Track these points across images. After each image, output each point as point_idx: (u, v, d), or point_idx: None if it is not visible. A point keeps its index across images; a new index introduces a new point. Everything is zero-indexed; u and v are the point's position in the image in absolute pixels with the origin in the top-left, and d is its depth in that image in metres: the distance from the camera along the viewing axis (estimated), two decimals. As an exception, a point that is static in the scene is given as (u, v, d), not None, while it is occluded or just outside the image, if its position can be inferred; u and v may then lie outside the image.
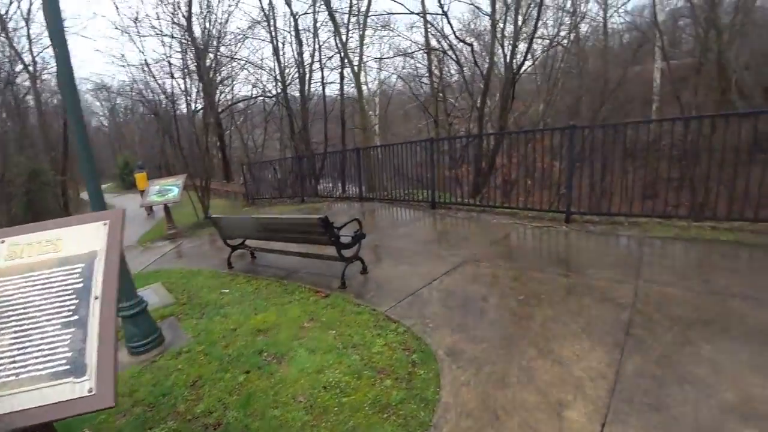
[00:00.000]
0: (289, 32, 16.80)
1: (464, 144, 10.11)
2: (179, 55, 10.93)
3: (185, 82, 10.91)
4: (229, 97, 19.20)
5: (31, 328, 1.64)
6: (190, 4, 11.63)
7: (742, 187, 4.97)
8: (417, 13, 12.27)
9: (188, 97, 10.85)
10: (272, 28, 15.65)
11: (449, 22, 12.31)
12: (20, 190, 14.89)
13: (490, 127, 14.12)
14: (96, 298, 1.70)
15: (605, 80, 21.88)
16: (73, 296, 1.71)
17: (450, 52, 12.90)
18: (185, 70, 10.83)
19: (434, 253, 5.38)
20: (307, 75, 15.89)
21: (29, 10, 17.77)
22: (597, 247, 4.95)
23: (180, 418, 2.77)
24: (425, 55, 15.89)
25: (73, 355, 1.59)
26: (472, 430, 2.36)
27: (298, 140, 15.07)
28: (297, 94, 15.69)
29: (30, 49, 17.00)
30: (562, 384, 2.63)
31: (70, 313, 1.67)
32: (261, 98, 19.78)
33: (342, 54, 15.08)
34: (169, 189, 9.43)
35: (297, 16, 15.58)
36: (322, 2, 14.27)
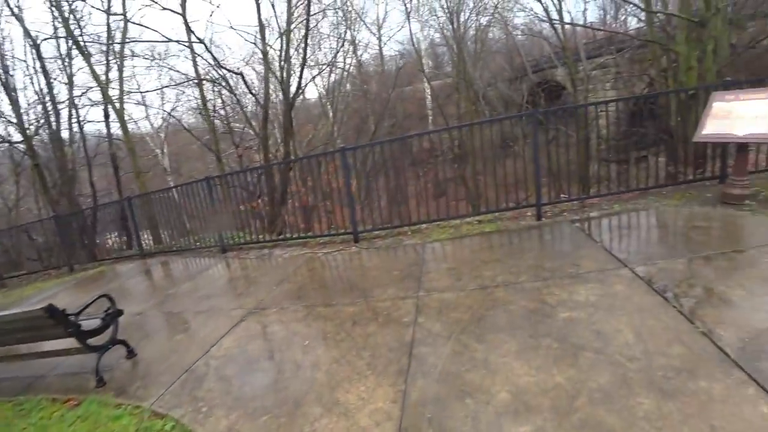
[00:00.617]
0: (32, 61, 13.57)
1: (254, 176, 9.60)
2: None
3: None
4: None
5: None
6: None
7: (500, 179, 5.69)
8: (176, 41, 11.29)
9: None
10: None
11: (209, 50, 11.53)
12: None
13: (279, 155, 13.92)
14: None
15: (387, 100, 24.32)
16: None
17: (224, 82, 12.22)
18: None
19: (217, 309, 4.66)
20: (62, 113, 13.14)
21: None
22: (383, 263, 4.97)
23: None
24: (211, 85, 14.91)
25: None
26: None
27: (56, 195, 12.20)
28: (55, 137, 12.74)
29: None
30: (346, 444, 2.30)
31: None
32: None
33: (102, 87, 12.88)
34: None
35: (38, 42, 12.75)
36: (63, 25, 11.93)
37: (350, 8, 22.04)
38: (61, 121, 13.04)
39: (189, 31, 11.82)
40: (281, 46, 11.28)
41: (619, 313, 2.92)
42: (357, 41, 26.15)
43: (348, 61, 26.16)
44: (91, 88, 13.86)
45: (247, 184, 8.80)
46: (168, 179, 21.26)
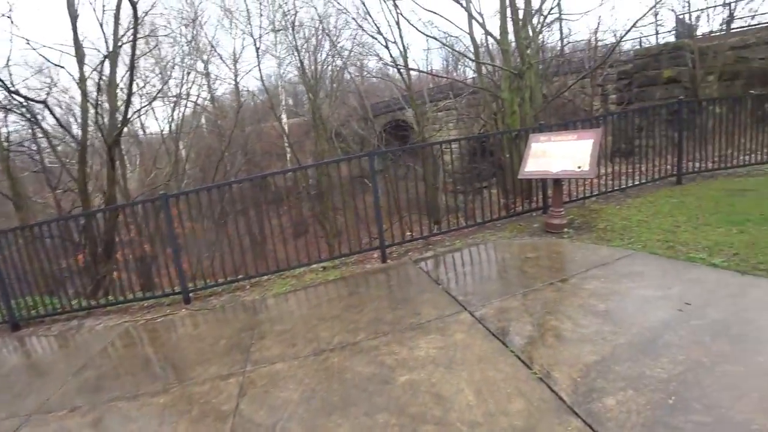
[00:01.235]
0: None
1: (76, 225, 7.78)
2: None
3: None
4: None
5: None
6: None
7: (350, 220, 5.35)
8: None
9: None
10: None
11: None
12: None
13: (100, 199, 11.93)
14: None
15: (242, 136, 23.20)
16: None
17: (25, 111, 10.05)
18: None
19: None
20: None
21: None
22: (211, 330, 4.15)
23: None
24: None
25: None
26: None
27: None
28: None
29: None
30: None
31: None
32: None
33: None
34: None
35: None
36: None
37: (199, 38, 20.74)
38: None
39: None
40: (100, 72, 9.71)
41: (460, 368, 2.67)
42: (211, 74, 24.71)
43: (203, 94, 24.52)
44: None
45: (66, 234, 7.00)
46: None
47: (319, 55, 22.63)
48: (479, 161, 10.66)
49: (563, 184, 5.50)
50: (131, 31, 9.57)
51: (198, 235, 7.89)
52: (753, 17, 14.32)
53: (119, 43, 10.20)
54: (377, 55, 20.87)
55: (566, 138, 5.12)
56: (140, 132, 23.17)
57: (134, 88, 11.41)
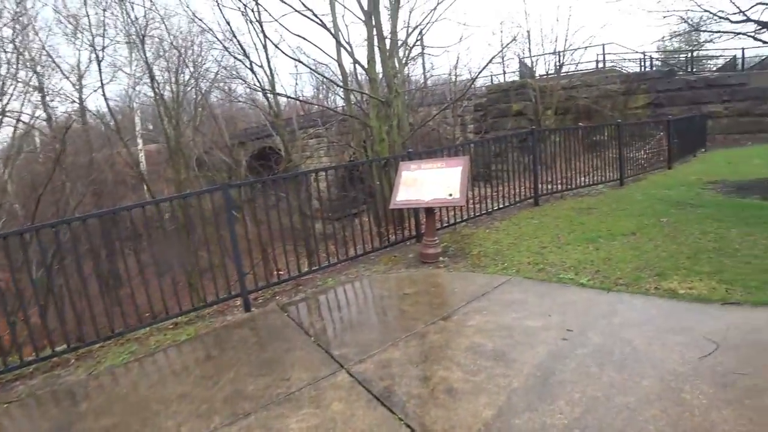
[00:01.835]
0: None
1: None
2: None
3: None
4: None
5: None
6: None
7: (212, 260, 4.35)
8: None
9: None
10: None
11: None
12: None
13: None
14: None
15: (89, 164, 19.69)
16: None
17: None
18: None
19: None
20: None
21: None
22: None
23: None
24: None
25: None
26: None
27: None
28: None
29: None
30: None
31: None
32: None
33: None
34: None
35: None
36: None
37: (32, 45, 17.00)
38: None
39: None
40: None
41: (337, 457, 2.04)
42: (50, 89, 20.43)
43: (38, 113, 20.19)
44: None
45: None
46: None
47: (181, 76, 20.53)
48: (350, 189, 10.37)
49: (435, 212, 5.34)
50: None
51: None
52: (577, 65, 17.02)
53: None
54: (242, 79, 19.55)
55: (435, 165, 4.99)
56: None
57: None
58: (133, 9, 17.75)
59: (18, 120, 17.09)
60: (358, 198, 10.61)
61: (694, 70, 18.83)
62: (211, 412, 2.61)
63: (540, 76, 16.49)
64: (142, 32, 16.87)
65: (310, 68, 15.89)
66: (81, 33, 18.13)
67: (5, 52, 14.51)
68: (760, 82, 15.28)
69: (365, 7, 9.50)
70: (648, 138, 9.43)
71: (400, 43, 10.08)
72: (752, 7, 6.63)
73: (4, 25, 14.49)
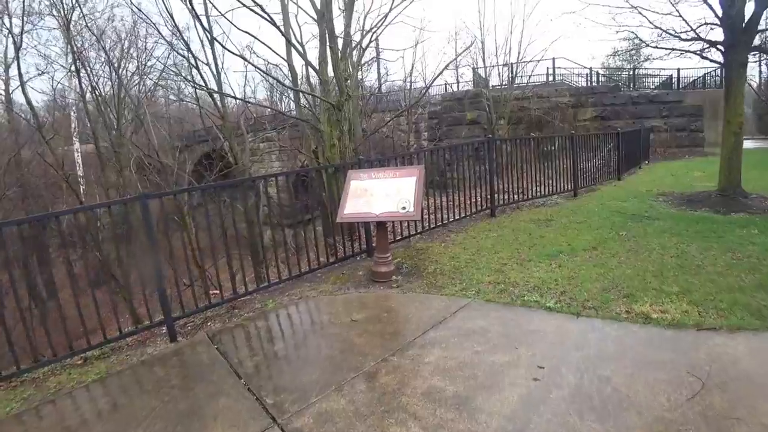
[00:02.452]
0: None
1: None
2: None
3: None
4: None
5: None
6: None
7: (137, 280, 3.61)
8: None
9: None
10: None
11: None
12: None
13: None
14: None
15: (16, 163, 17.68)
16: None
17: None
18: None
19: None
20: None
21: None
22: None
23: None
24: None
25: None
26: None
27: None
28: None
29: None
30: None
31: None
32: None
33: None
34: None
35: None
36: None
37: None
38: None
39: None
40: None
41: None
42: None
43: None
44: None
45: None
46: None
47: (123, 71, 18.89)
48: (303, 196, 9.74)
49: (387, 226, 4.88)
50: None
51: None
52: (529, 77, 17.29)
53: None
54: (187, 78, 18.28)
55: (388, 175, 4.53)
56: None
57: None
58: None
59: None
60: (311, 204, 10.00)
61: (636, 86, 19.77)
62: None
63: (493, 86, 16.60)
64: (68, 15, 15.32)
65: (257, 67, 14.96)
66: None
67: None
68: (693, 100, 16.22)
69: (318, 6, 9.00)
70: (598, 150, 9.53)
71: (354, 44, 9.62)
72: (699, 27, 6.74)
73: None
